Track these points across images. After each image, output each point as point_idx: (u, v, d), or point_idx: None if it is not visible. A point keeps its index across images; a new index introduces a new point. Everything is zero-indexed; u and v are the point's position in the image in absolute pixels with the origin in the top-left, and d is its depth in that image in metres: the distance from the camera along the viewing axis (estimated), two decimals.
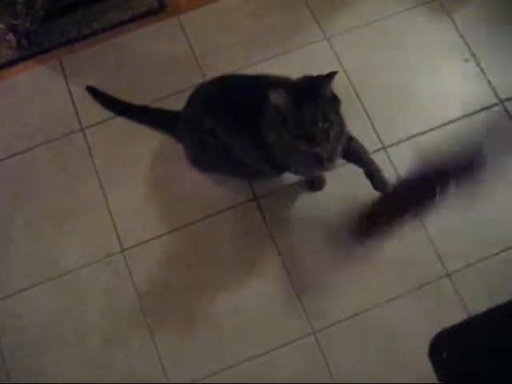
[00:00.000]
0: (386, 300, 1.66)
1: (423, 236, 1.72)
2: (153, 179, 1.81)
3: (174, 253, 1.73)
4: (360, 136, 1.61)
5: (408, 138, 1.82)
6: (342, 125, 1.46)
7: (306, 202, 1.76)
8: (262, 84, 1.48)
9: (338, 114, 1.44)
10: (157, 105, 1.86)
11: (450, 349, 1.60)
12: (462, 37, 1.94)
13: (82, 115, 1.89)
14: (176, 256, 1.73)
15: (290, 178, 1.73)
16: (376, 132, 1.83)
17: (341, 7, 2.00)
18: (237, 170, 1.69)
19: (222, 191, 1.78)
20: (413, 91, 1.87)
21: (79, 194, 1.80)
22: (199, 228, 1.75)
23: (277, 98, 1.40)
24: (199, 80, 1.84)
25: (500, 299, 1.63)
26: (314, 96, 1.39)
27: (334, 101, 1.43)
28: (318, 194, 1.76)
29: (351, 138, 1.57)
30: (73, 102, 1.90)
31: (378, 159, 1.65)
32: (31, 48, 1.97)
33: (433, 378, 1.57)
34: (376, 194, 1.67)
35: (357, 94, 1.87)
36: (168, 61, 1.94)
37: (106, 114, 1.88)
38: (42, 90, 1.93)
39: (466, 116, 1.84)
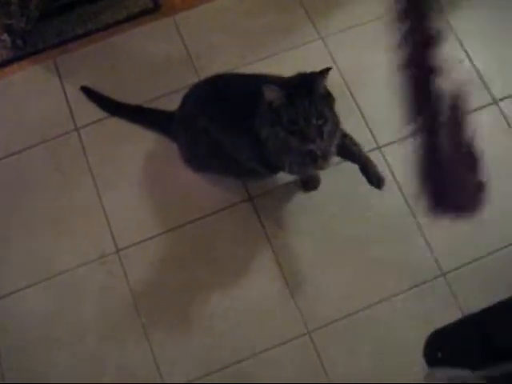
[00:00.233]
0: (381, 299, 1.66)
1: (418, 235, 1.72)
2: (147, 179, 1.81)
3: (168, 253, 1.73)
4: (354, 135, 1.61)
5: (402, 138, 1.82)
6: (336, 122, 1.46)
7: (301, 201, 1.76)
8: (256, 82, 1.47)
9: (331, 110, 1.43)
10: (151, 105, 1.86)
11: (445, 348, 1.60)
12: (456, 38, 1.94)
13: (77, 115, 1.88)
14: (171, 256, 1.73)
15: (284, 177, 1.73)
16: (371, 131, 1.83)
17: (335, 7, 2.00)
18: (231, 169, 1.69)
19: (217, 191, 1.78)
20: None
21: (74, 193, 1.79)
22: (194, 228, 1.75)
23: (271, 93, 1.40)
24: (194, 80, 1.83)
25: (495, 298, 1.62)
26: (308, 92, 1.39)
27: (328, 97, 1.43)
28: (313, 193, 1.76)
29: (345, 135, 1.57)
30: (67, 102, 1.90)
31: (373, 159, 1.64)
32: (26, 48, 1.96)
33: None
34: (372, 192, 1.66)
35: (351, 94, 1.87)
36: (163, 61, 1.93)
37: (100, 113, 1.88)
38: (37, 90, 1.92)
39: None
